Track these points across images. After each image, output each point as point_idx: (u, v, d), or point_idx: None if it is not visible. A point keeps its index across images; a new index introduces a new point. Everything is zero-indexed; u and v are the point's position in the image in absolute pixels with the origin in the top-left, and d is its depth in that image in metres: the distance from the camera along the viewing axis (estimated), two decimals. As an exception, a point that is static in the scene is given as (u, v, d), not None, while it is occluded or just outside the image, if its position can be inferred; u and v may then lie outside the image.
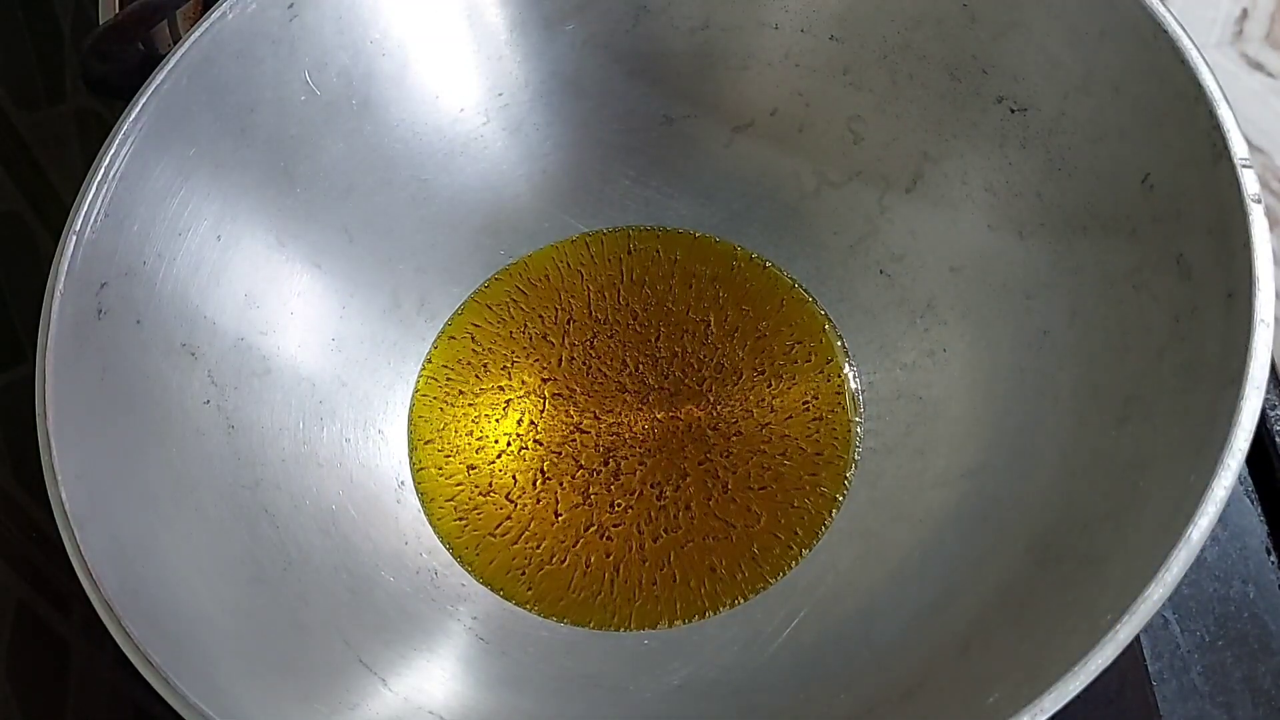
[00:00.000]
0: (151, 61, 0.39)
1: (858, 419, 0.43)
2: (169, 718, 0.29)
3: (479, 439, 0.44)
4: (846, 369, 0.44)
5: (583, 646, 0.40)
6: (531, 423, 0.44)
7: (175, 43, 0.39)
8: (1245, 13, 0.50)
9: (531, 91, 0.47)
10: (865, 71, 0.43)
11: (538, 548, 0.42)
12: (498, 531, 0.42)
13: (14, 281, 0.51)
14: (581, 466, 0.43)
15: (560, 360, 0.45)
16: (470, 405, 0.45)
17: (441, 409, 0.45)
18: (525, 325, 0.46)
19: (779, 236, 0.46)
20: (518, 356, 0.46)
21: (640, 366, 0.45)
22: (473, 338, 0.46)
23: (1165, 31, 0.33)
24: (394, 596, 0.40)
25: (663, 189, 0.48)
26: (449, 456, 0.44)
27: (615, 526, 0.42)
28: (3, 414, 0.47)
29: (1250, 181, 0.31)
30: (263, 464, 0.40)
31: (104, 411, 0.35)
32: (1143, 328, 0.34)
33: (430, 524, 0.43)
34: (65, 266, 0.35)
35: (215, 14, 0.39)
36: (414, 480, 0.43)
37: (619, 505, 0.42)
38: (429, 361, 0.46)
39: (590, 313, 0.46)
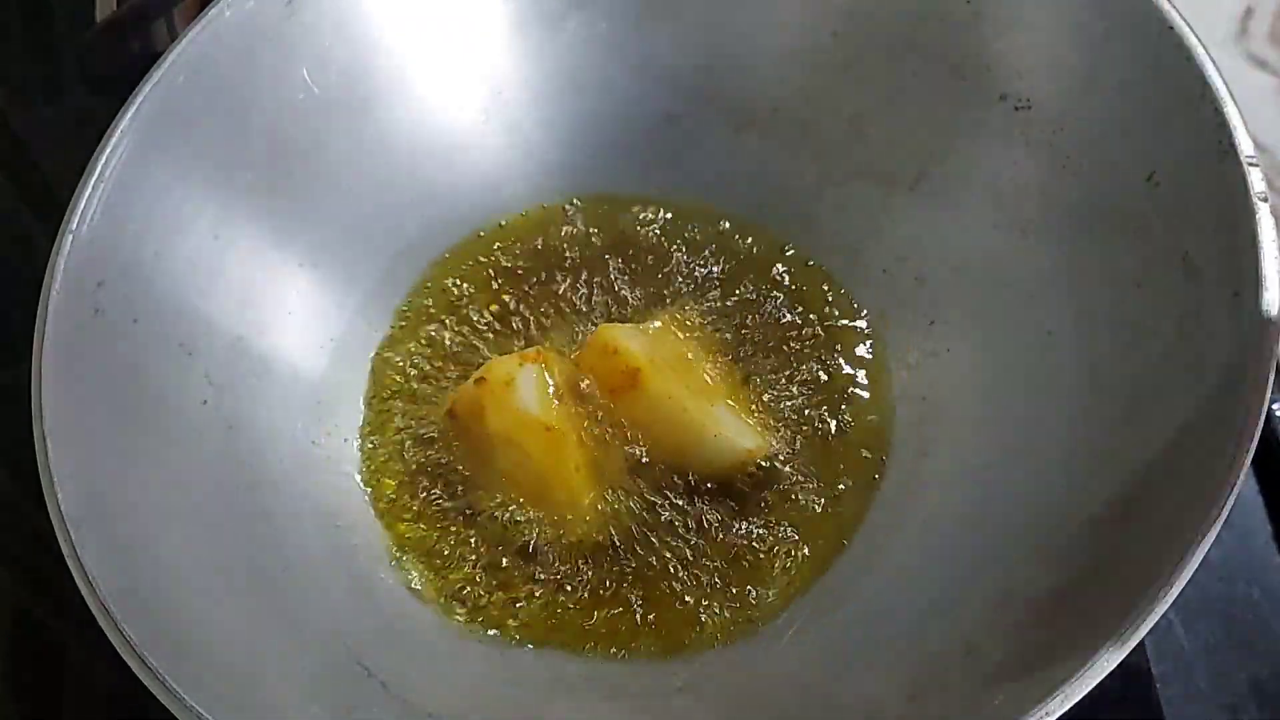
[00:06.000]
0: (149, 59, 0.39)
1: (860, 420, 0.42)
2: (166, 720, 0.29)
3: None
4: (849, 369, 0.44)
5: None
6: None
7: (173, 40, 0.39)
8: (1249, 10, 0.50)
9: (532, 90, 0.46)
10: (868, 69, 0.42)
11: (540, 549, 0.41)
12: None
13: (10, 281, 0.51)
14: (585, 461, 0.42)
15: (565, 355, 0.44)
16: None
17: (442, 408, 0.44)
18: (527, 321, 0.46)
19: (780, 235, 0.46)
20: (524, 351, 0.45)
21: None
22: (474, 336, 0.46)
23: (1171, 29, 0.33)
24: (393, 598, 0.40)
25: (664, 187, 0.48)
26: (450, 455, 0.44)
27: (618, 533, 0.41)
28: None
29: (1257, 179, 0.31)
30: (261, 465, 0.39)
31: (101, 411, 0.35)
32: (1148, 327, 0.34)
33: (430, 526, 0.42)
34: (62, 265, 0.35)
35: (213, 11, 0.39)
36: (414, 482, 0.43)
37: (626, 512, 0.42)
38: (429, 361, 0.45)
39: (595, 307, 0.46)
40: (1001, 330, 0.39)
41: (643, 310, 0.45)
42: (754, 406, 0.42)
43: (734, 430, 0.41)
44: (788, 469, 0.41)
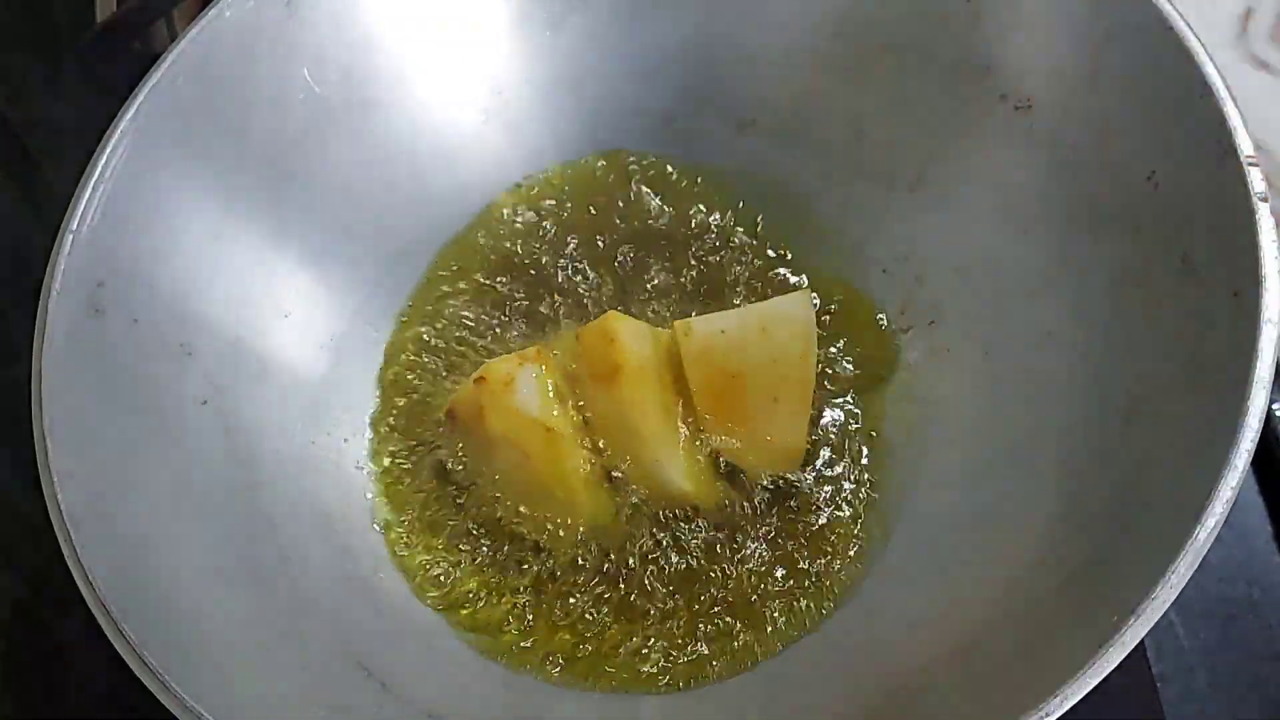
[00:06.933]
0: (149, 59, 0.39)
1: (861, 421, 0.42)
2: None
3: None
4: (849, 369, 0.43)
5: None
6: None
7: (173, 40, 0.39)
8: (1250, 11, 0.50)
9: (532, 90, 0.46)
10: (868, 70, 0.42)
11: (539, 550, 0.41)
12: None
13: (10, 281, 0.51)
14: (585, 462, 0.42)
15: (568, 353, 0.44)
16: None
17: (442, 408, 0.44)
18: (527, 321, 0.46)
19: (781, 234, 0.46)
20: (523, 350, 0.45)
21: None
22: (474, 336, 0.46)
23: (1171, 29, 0.33)
24: (393, 599, 0.40)
25: (664, 188, 0.47)
26: (449, 456, 0.44)
27: (616, 534, 0.41)
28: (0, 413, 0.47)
29: (1256, 180, 0.31)
30: (260, 465, 0.39)
31: (100, 411, 0.35)
32: (1148, 327, 0.34)
33: (429, 526, 0.42)
34: (62, 266, 0.35)
35: (213, 11, 0.39)
36: (413, 482, 0.43)
37: (626, 513, 0.41)
38: (429, 361, 0.45)
39: (595, 307, 0.46)
40: (1001, 330, 0.39)
41: (644, 310, 0.45)
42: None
43: (680, 466, 0.40)
44: (788, 470, 0.41)
